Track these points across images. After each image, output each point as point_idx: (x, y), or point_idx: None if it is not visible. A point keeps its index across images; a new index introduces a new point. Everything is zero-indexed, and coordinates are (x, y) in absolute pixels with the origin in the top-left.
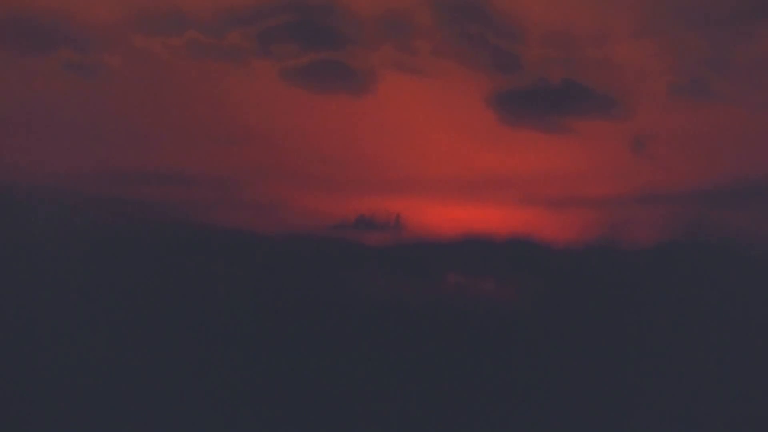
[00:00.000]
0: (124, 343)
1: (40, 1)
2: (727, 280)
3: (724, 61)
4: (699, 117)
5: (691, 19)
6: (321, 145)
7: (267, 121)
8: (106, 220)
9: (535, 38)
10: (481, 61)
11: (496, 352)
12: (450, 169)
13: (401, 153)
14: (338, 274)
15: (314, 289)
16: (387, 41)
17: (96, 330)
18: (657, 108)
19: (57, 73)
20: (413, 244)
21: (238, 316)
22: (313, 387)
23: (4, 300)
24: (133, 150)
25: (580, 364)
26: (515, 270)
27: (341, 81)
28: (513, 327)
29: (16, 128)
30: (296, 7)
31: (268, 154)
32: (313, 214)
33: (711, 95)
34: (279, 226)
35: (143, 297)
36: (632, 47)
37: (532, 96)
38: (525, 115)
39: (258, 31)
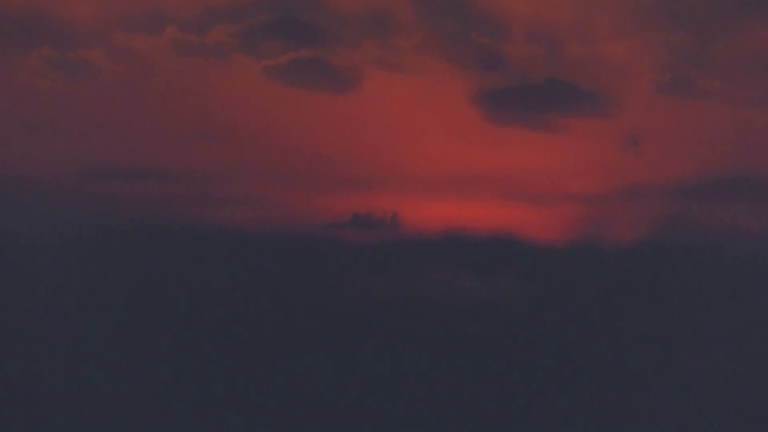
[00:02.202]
0: (109, 336)
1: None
2: (710, 277)
3: (709, 59)
4: (683, 114)
5: (674, 18)
6: (307, 143)
7: (252, 119)
8: (90, 216)
9: (518, 36)
10: (465, 58)
11: (490, 348)
12: (437, 168)
13: (388, 152)
14: (335, 271)
15: (308, 286)
16: (369, 38)
17: (82, 322)
18: (642, 105)
19: (38, 70)
20: (404, 242)
21: (231, 313)
22: (305, 384)
23: None
24: (119, 146)
25: (567, 359)
26: (503, 267)
27: (325, 78)
28: (504, 323)
29: None
30: (278, 4)
31: (253, 151)
32: (306, 212)
33: (695, 92)
34: (272, 223)
35: (133, 293)
36: (616, 45)
37: (516, 93)
38: (509, 113)
39: (240, 29)
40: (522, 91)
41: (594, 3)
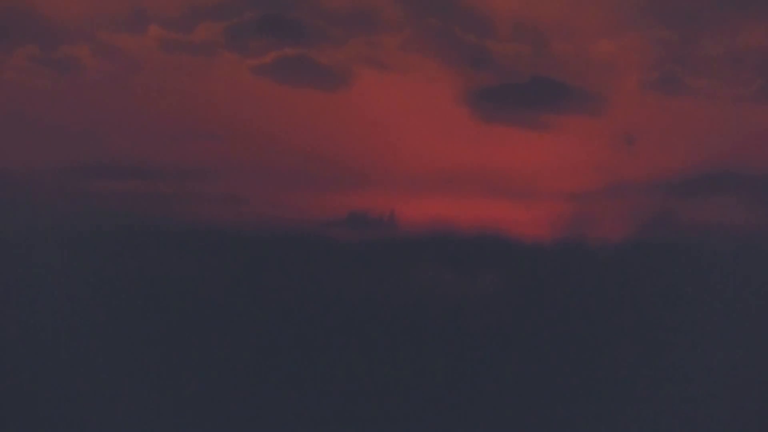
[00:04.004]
0: (95, 336)
1: None
2: (699, 273)
3: (696, 56)
4: (671, 111)
5: (661, 15)
6: (297, 141)
7: (241, 116)
8: (76, 213)
9: (505, 33)
10: (452, 56)
11: (487, 345)
12: (429, 166)
13: (379, 150)
14: (330, 270)
15: (303, 285)
16: (355, 36)
17: (67, 321)
18: (629, 103)
19: (23, 68)
20: (398, 241)
21: (224, 313)
22: (299, 384)
23: None
24: (107, 144)
25: (566, 358)
26: (497, 264)
27: (312, 77)
28: (499, 320)
29: None
30: (262, 2)
31: (244, 149)
32: (300, 211)
33: (682, 89)
34: (265, 221)
35: (120, 292)
36: (604, 43)
37: (503, 91)
38: (498, 111)
39: (226, 27)
40: (509, 88)
41: (581, 0)
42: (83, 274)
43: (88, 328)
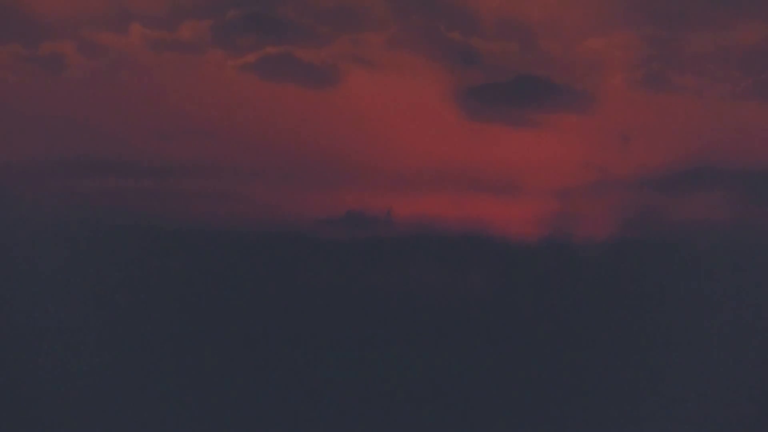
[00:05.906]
0: (87, 333)
1: None
2: (683, 268)
3: (682, 54)
4: (657, 108)
5: (648, 14)
6: (289, 139)
7: (227, 114)
8: (69, 210)
9: (492, 31)
10: (438, 54)
11: (482, 342)
12: (417, 164)
13: (372, 149)
14: (329, 268)
15: (300, 283)
16: (342, 34)
17: (51, 318)
18: (616, 100)
19: (6, 65)
20: (386, 239)
21: (223, 310)
22: (297, 381)
23: None
24: (106, 141)
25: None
26: (482, 260)
27: (301, 75)
28: (493, 316)
29: None
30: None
31: (228, 146)
32: (297, 210)
33: (668, 87)
34: (259, 220)
35: (115, 290)
36: (591, 41)
37: (491, 89)
38: (486, 109)
39: (210, 25)
40: (496, 86)
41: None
42: (72, 271)
43: (82, 326)
